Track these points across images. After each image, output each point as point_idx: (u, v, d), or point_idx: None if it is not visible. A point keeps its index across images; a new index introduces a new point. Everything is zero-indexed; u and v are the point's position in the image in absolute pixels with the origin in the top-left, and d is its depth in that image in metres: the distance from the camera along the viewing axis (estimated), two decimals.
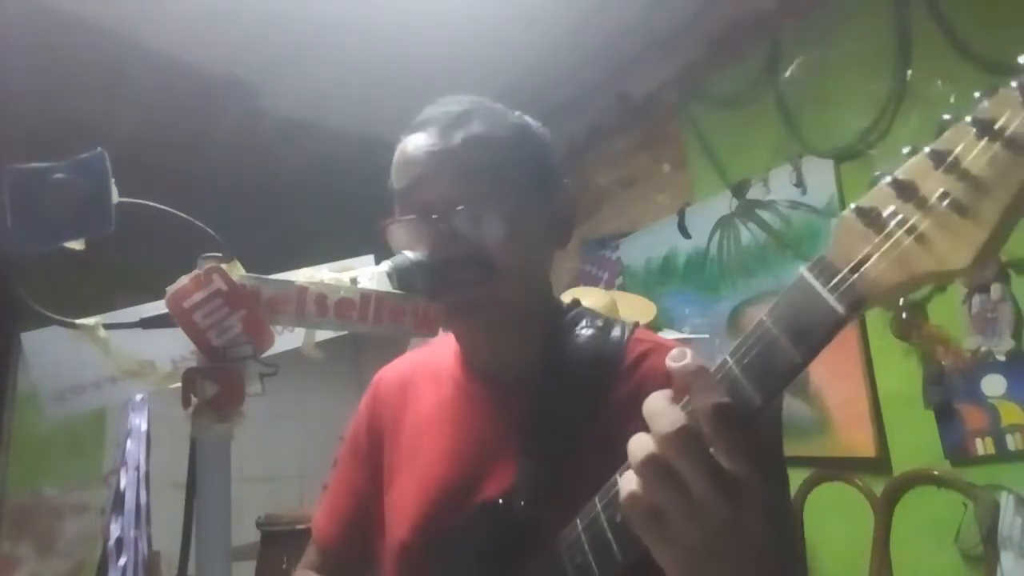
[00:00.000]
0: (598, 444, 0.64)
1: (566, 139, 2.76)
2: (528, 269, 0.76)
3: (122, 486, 2.28)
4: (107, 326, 0.62)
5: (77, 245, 0.57)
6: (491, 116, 0.75)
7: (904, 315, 1.73)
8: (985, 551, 1.49)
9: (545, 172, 0.78)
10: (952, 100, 1.67)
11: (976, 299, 1.63)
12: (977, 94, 0.37)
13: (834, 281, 0.41)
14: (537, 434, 0.71)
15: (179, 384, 0.58)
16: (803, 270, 0.43)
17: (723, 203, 2.24)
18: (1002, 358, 1.59)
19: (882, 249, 0.40)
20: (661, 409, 0.44)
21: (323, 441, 3.18)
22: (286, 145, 2.92)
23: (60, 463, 3.04)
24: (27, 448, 2.96)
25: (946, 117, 0.38)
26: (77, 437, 3.05)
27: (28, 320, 0.62)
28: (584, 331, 0.77)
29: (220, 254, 0.60)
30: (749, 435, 0.42)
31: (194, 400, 0.56)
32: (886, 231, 0.40)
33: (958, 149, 0.38)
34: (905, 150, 0.40)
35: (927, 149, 0.39)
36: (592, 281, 2.71)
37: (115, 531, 2.24)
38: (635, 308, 1.92)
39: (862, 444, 1.81)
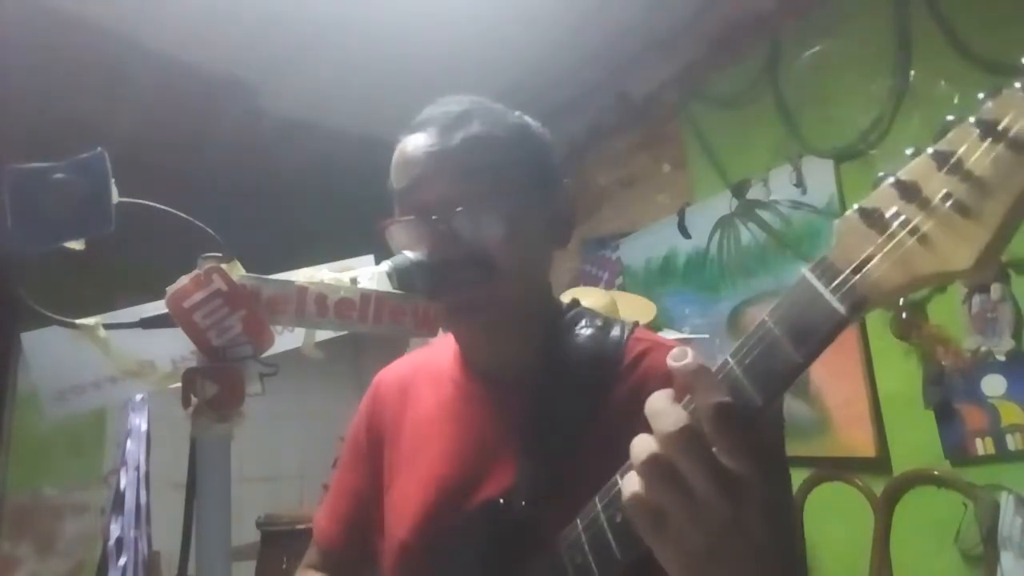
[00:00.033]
0: (598, 443, 0.64)
1: (566, 139, 2.76)
2: (528, 269, 0.76)
3: (122, 486, 2.28)
4: (107, 326, 0.62)
5: (77, 245, 0.57)
6: (491, 116, 0.75)
7: (904, 315, 1.73)
8: (985, 551, 1.49)
9: (545, 172, 0.78)
10: (952, 100, 1.67)
11: (976, 299, 1.63)
12: (981, 95, 0.37)
13: (836, 282, 0.41)
14: (537, 434, 0.71)
15: (179, 384, 0.58)
16: (805, 271, 0.43)
17: (723, 203, 2.24)
18: (1002, 358, 1.59)
19: (885, 250, 0.40)
20: (663, 409, 0.44)
21: (323, 441, 3.19)
22: (286, 145, 2.92)
23: (60, 463, 3.04)
24: (27, 448, 2.96)
25: (950, 118, 0.38)
26: (77, 437, 3.05)
27: (28, 320, 0.62)
28: (584, 331, 0.77)
29: (220, 254, 0.60)
30: (751, 435, 0.42)
31: (194, 400, 0.56)
32: (889, 232, 0.40)
33: (961, 150, 0.37)
34: (908, 151, 0.40)
35: (930, 150, 0.39)
36: (592, 281, 2.71)
37: (115, 531, 2.24)
38: (635, 308, 1.92)
39: (862, 444, 1.81)
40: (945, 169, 0.38)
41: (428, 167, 0.71)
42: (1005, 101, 0.36)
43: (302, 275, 0.63)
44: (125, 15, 2.11)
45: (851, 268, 0.41)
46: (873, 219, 0.40)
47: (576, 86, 2.68)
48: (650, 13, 2.29)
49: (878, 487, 1.62)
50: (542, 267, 0.80)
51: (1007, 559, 1.43)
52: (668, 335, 1.77)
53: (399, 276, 0.65)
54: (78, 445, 3.05)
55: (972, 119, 0.37)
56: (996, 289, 1.60)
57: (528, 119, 0.80)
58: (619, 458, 0.49)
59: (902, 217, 0.39)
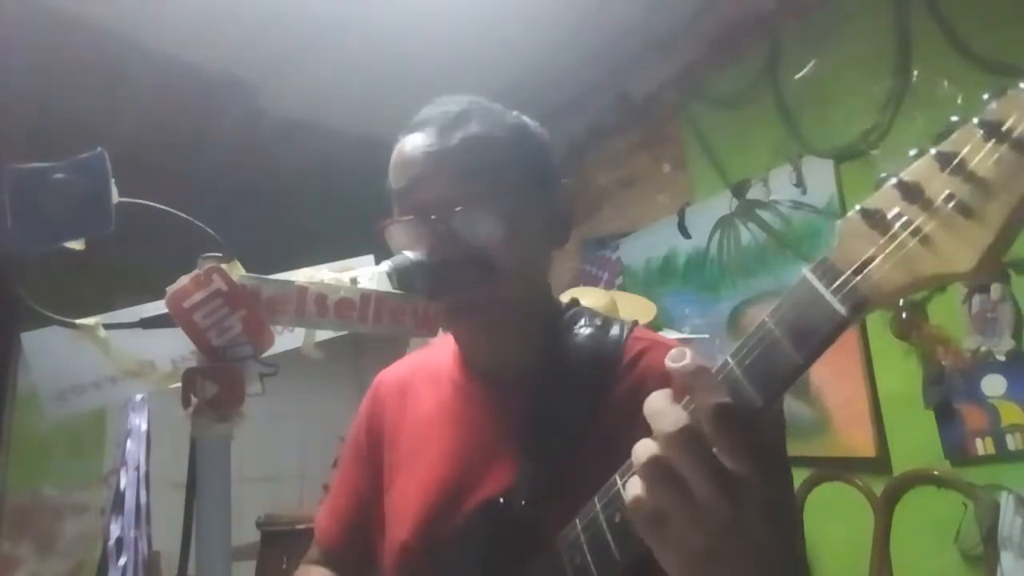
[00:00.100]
0: (598, 442, 0.64)
1: (566, 139, 2.76)
2: (527, 269, 0.76)
3: (122, 486, 2.28)
4: (107, 326, 0.62)
5: (77, 245, 0.57)
6: (489, 116, 0.75)
7: (904, 315, 1.73)
8: (985, 551, 1.49)
9: (543, 172, 0.78)
10: (953, 100, 1.67)
11: (976, 299, 1.63)
12: (985, 95, 0.37)
13: (837, 283, 0.41)
14: (536, 433, 0.71)
15: (179, 384, 0.58)
16: (806, 271, 0.42)
17: (723, 203, 2.24)
18: (1002, 358, 1.59)
19: (886, 251, 0.39)
20: (662, 409, 0.44)
21: (323, 441, 3.19)
22: (286, 145, 2.92)
23: (60, 463, 3.04)
24: (27, 448, 2.96)
25: (953, 118, 0.38)
26: (77, 437, 3.05)
27: (28, 320, 0.62)
28: (583, 330, 0.77)
29: (220, 254, 0.60)
30: (751, 435, 0.42)
31: (194, 400, 0.56)
32: (890, 233, 0.39)
33: (965, 151, 0.37)
34: (911, 152, 0.39)
35: (933, 151, 0.38)
36: (592, 281, 2.71)
37: (115, 531, 2.24)
38: (635, 308, 1.92)
39: (862, 444, 1.81)
40: (948, 170, 0.38)
41: (427, 167, 0.71)
42: (1009, 102, 0.36)
43: (302, 275, 0.63)
44: (125, 15, 2.11)
45: (852, 269, 0.40)
46: (875, 220, 0.40)
47: (576, 86, 2.68)
48: (650, 13, 2.29)
49: (878, 487, 1.62)
50: (541, 267, 0.80)
51: (1007, 559, 1.43)
52: (668, 335, 1.77)
53: (399, 276, 0.65)
54: (78, 445, 3.05)
55: (976, 120, 0.37)
56: (996, 289, 1.60)
57: (526, 119, 0.80)
58: (619, 457, 0.49)
59: (904, 218, 0.39)
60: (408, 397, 0.86)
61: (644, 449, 0.44)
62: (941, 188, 0.38)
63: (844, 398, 1.85)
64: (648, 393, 0.46)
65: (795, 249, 2.02)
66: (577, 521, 0.55)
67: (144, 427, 2.35)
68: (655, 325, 1.90)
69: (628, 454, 0.46)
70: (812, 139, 2.01)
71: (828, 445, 1.87)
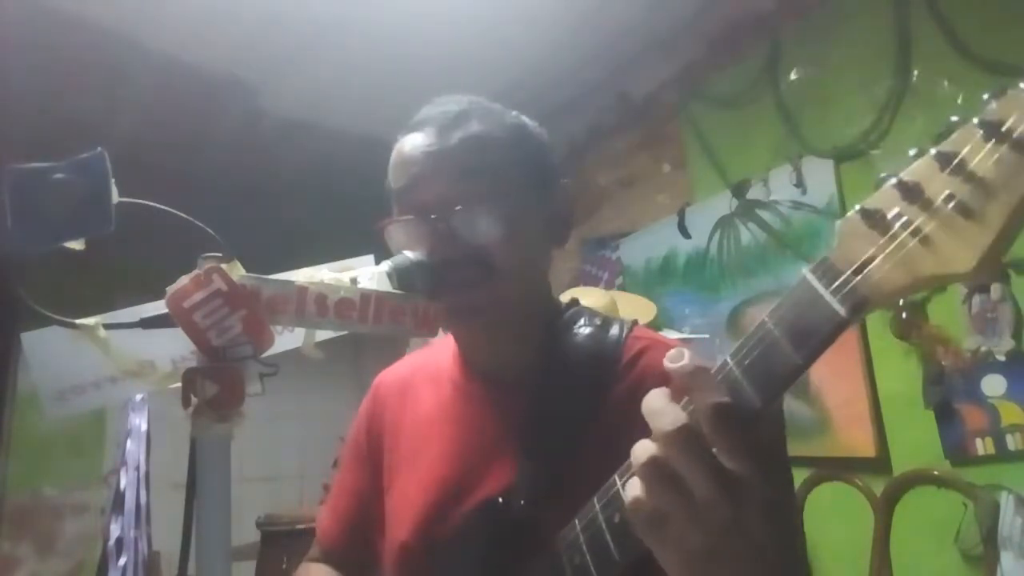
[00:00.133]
0: (597, 442, 0.64)
1: (566, 139, 2.76)
2: (527, 269, 0.76)
3: (122, 486, 2.28)
4: (107, 326, 0.62)
5: (77, 245, 0.57)
6: (489, 116, 0.75)
7: (904, 315, 1.73)
8: (985, 551, 1.49)
9: (543, 172, 0.78)
10: (952, 99, 1.67)
11: (976, 299, 1.63)
12: (985, 95, 0.36)
13: (837, 283, 0.41)
14: (536, 433, 0.71)
15: (179, 384, 0.58)
16: (806, 271, 0.42)
17: (723, 203, 2.24)
18: (1002, 358, 1.59)
19: (886, 251, 0.39)
20: (660, 408, 0.44)
21: (323, 441, 3.19)
22: (286, 145, 2.92)
23: (60, 463, 3.04)
24: (27, 448, 2.96)
25: (953, 118, 0.38)
26: (77, 437, 3.05)
27: (28, 320, 0.62)
28: (582, 330, 0.77)
29: (220, 254, 0.60)
30: (750, 435, 0.42)
31: (194, 400, 0.56)
32: (890, 233, 0.39)
33: (965, 151, 0.37)
34: (911, 151, 0.39)
35: (933, 151, 0.38)
36: (592, 281, 2.70)
37: (115, 531, 2.24)
38: (635, 308, 1.92)
39: (862, 444, 1.81)
40: (948, 170, 0.37)
41: (426, 166, 0.71)
42: (1009, 102, 0.36)
43: (302, 275, 0.63)
44: (125, 15, 2.11)
45: (852, 269, 0.40)
46: (875, 220, 0.40)
47: (576, 86, 2.68)
48: (650, 13, 2.29)
49: (878, 487, 1.62)
50: (541, 266, 0.80)
51: (1007, 559, 1.43)
52: (668, 335, 1.77)
53: (399, 276, 0.65)
54: (78, 445, 3.05)
55: (976, 120, 0.37)
56: (996, 289, 1.60)
57: (526, 119, 0.80)
58: (618, 457, 0.49)
59: (904, 218, 0.39)
60: (408, 397, 0.87)
61: (643, 450, 0.44)
62: (941, 188, 0.38)
63: (844, 398, 1.85)
64: (648, 392, 0.46)
65: (795, 249, 2.02)
66: (576, 521, 0.55)
67: (144, 427, 2.35)
68: (655, 325, 1.90)
69: (628, 454, 0.46)
70: (812, 139, 2.01)
71: (828, 445, 1.87)
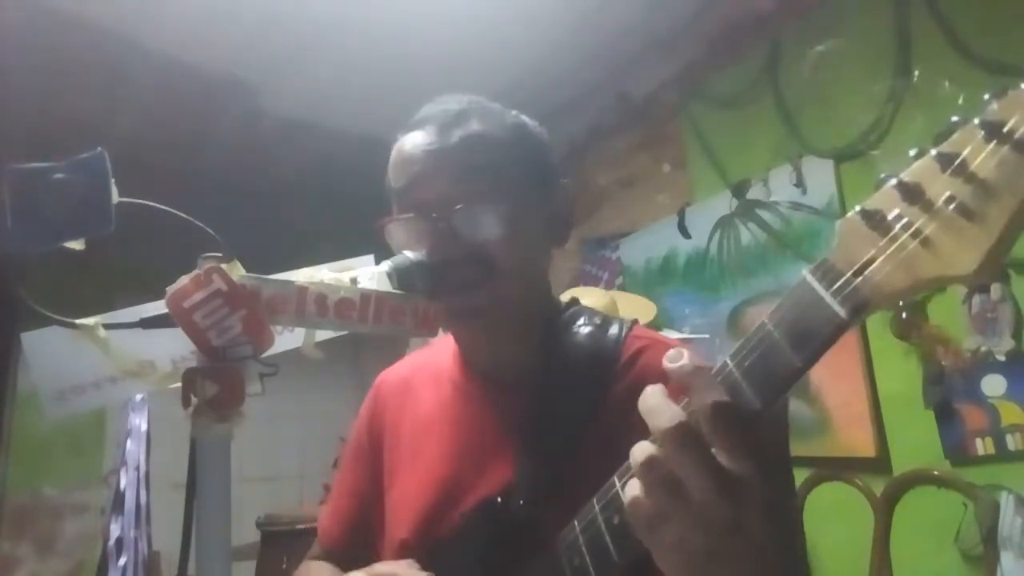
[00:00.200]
0: (596, 442, 0.64)
1: (566, 139, 2.76)
2: (527, 268, 0.76)
3: (122, 486, 2.28)
4: (107, 326, 0.62)
5: (77, 245, 0.57)
6: (489, 115, 0.75)
7: (904, 315, 1.73)
8: (985, 551, 1.49)
9: (543, 171, 0.78)
10: (952, 99, 1.67)
11: (976, 299, 1.63)
12: (986, 96, 0.36)
13: (837, 284, 0.40)
14: (535, 433, 0.71)
15: (179, 384, 0.58)
16: (806, 273, 0.42)
17: (723, 203, 2.24)
18: (1002, 358, 1.59)
19: (886, 253, 0.39)
20: (658, 405, 0.44)
21: (323, 441, 3.19)
22: (286, 145, 2.92)
23: (60, 463, 3.03)
24: (27, 448, 2.96)
25: (954, 119, 0.38)
26: (77, 437, 3.05)
27: (28, 320, 0.62)
28: (582, 329, 0.77)
29: (220, 254, 0.60)
30: (750, 435, 0.41)
31: (194, 400, 0.56)
32: (891, 234, 0.39)
33: (966, 152, 0.37)
34: (912, 152, 0.39)
35: (934, 151, 0.38)
36: (592, 281, 2.70)
37: (115, 531, 2.24)
38: (635, 308, 1.92)
39: (862, 444, 1.81)
40: (949, 171, 0.37)
41: (427, 165, 0.71)
42: (1010, 103, 0.35)
43: (302, 275, 0.63)
44: (125, 15, 2.11)
45: (852, 271, 0.40)
46: (875, 221, 0.40)
47: (576, 86, 2.68)
48: (650, 13, 2.29)
49: (878, 487, 1.62)
50: (541, 266, 0.80)
51: (1007, 559, 1.43)
52: (668, 335, 1.77)
53: (399, 276, 0.65)
54: (78, 445, 3.05)
55: (977, 120, 0.36)
56: (996, 289, 1.60)
57: (526, 118, 0.80)
58: (617, 456, 0.49)
59: (905, 219, 0.39)
60: (408, 397, 0.87)
61: (641, 450, 0.44)
62: (942, 189, 0.37)
63: (844, 398, 1.85)
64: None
65: (795, 249, 2.02)
66: (576, 523, 0.55)
67: (144, 427, 2.35)
68: (655, 325, 1.90)
69: (627, 454, 0.46)
70: (812, 139, 2.01)
71: (828, 445, 1.87)
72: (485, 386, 0.79)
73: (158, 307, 0.60)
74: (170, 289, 0.57)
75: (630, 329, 0.76)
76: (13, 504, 2.94)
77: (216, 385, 0.56)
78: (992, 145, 0.36)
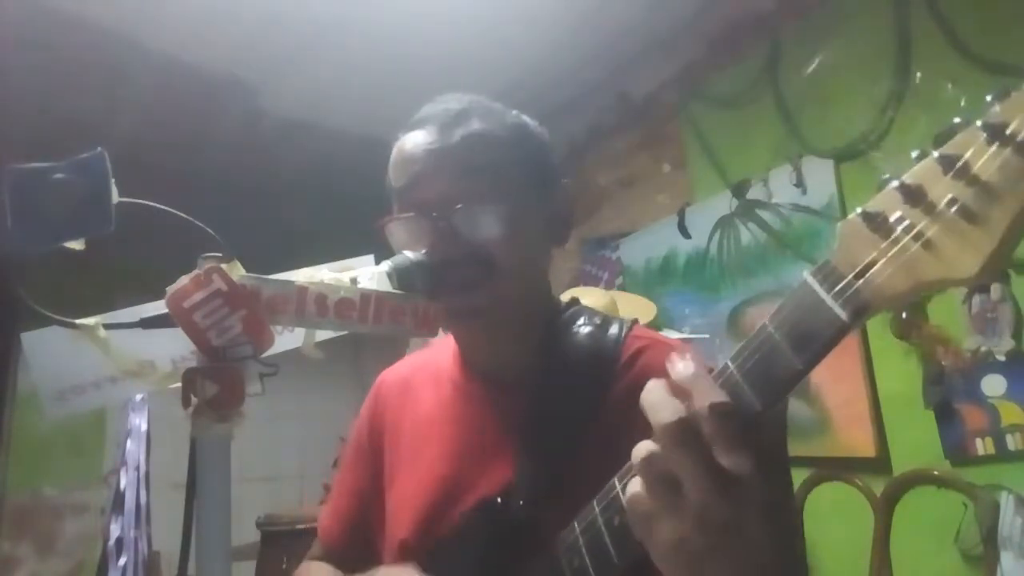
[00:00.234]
0: (596, 441, 0.65)
1: (566, 139, 2.76)
2: (527, 268, 0.76)
3: (122, 486, 2.28)
4: (107, 326, 0.62)
5: (77, 245, 0.57)
6: (490, 115, 0.75)
7: (904, 315, 1.73)
8: (985, 551, 1.49)
9: (543, 171, 0.78)
10: (952, 99, 1.67)
11: (976, 299, 1.63)
12: (988, 97, 0.36)
13: (838, 287, 0.40)
14: (535, 433, 0.71)
15: (179, 384, 0.58)
16: (807, 275, 0.42)
17: (723, 203, 2.24)
18: (1002, 358, 1.59)
19: (888, 255, 0.39)
20: (660, 400, 0.44)
21: (323, 441, 3.19)
22: (286, 145, 2.92)
23: (60, 463, 3.03)
24: (27, 448, 2.96)
25: (956, 120, 0.37)
26: (77, 437, 3.05)
27: (28, 320, 0.62)
28: (582, 329, 0.77)
29: (220, 254, 0.60)
30: (750, 437, 0.41)
31: (194, 400, 0.56)
32: (892, 237, 0.39)
33: (968, 154, 0.36)
34: (913, 154, 0.39)
35: (936, 153, 0.38)
36: (592, 281, 2.70)
37: (115, 531, 2.24)
38: (635, 308, 1.92)
39: (862, 444, 1.81)
40: (951, 173, 0.37)
41: (428, 164, 0.71)
42: (1013, 104, 0.35)
43: (302, 275, 0.63)
44: (125, 15, 2.11)
45: (854, 273, 0.40)
46: (877, 223, 0.40)
47: (576, 86, 2.68)
48: (650, 13, 2.29)
49: (878, 487, 1.62)
50: (541, 265, 0.80)
51: (1007, 559, 1.43)
52: (668, 335, 1.77)
53: (399, 276, 0.65)
54: (78, 445, 3.05)
55: (979, 122, 0.36)
56: (996, 289, 1.60)
57: (526, 118, 0.80)
58: (617, 456, 0.49)
59: (906, 222, 0.38)
60: (409, 396, 0.87)
61: (643, 447, 0.44)
62: (944, 192, 0.37)
63: (844, 398, 1.85)
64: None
65: (795, 249, 2.02)
66: (576, 524, 0.55)
67: (144, 427, 2.35)
68: (655, 325, 1.90)
69: (627, 453, 0.46)
70: (812, 139, 2.01)
71: (828, 445, 1.87)
72: (485, 386, 0.79)
73: (158, 307, 0.60)
74: (170, 289, 0.57)
75: (630, 329, 0.76)
76: (13, 504, 2.94)
77: (216, 385, 0.56)
78: (994, 147, 0.36)
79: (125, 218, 0.58)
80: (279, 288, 0.59)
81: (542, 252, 0.79)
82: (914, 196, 0.38)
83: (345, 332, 0.64)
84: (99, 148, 0.57)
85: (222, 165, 2.90)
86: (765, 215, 2.11)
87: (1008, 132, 0.35)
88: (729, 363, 0.45)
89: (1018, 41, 1.58)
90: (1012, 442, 1.55)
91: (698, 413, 0.42)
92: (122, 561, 2.20)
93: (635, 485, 0.44)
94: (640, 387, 0.45)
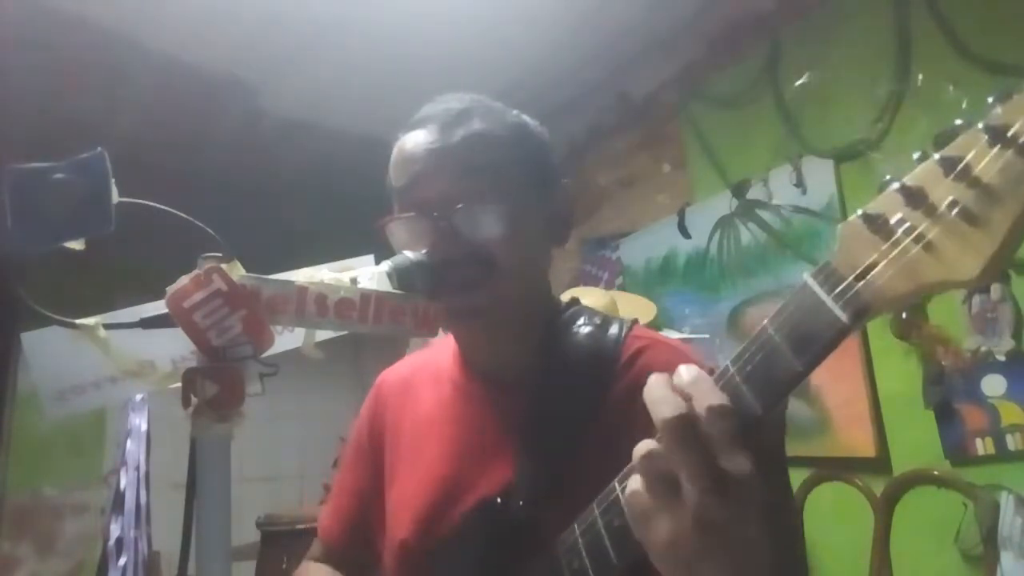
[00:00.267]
0: (596, 441, 0.65)
1: (566, 139, 2.76)
2: (527, 267, 0.76)
3: (122, 486, 2.28)
4: (107, 326, 0.62)
5: (77, 245, 0.57)
6: (490, 114, 0.75)
7: (904, 315, 1.73)
8: (985, 551, 1.49)
9: (544, 171, 0.78)
10: (952, 100, 1.67)
11: (976, 299, 1.63)
12: (990, 99, 0.36)
13: (839, 289, 0.40)
14: (535, 433, 0.71)
15: (179, 384, 0.58)
16: (807, 276, 0.42)
17: (723, 203, 2.24)
18: (1002, 358, 1.59)
19: (889, 257, 0.39)
20: (662, 396, 0.44)
21: (323, 441, 3.19)
22: (286, 145, 2.92)
23: (60, 463, 3.04)
24: (27, 448, 2.96)
25: (958, 122, 0.37)
26: (77, 437, 3.05)
27: (28, 320, 0.62)
28: (582, 329, 0.77)
29: (220, 254, 0.60)
30: (749, 438, 0.42)
31: (194, 400, 0.56)
32: (893, 239, 0.39)
33: (969, 156, 0.36)
34: (915, 155, 0.39)
35: (937, 155, 0.38)
36: (592, 281, 2.70)
37: (115, 531, 2.24)
38: (635, 308, 1.92)
39: (862, 444, 1.81)
40: (952, 175, 0.37)
41: (429, 164, 0.71)
42: (1014, 106, 0.35)
43: (302, 275, 0.63)
44: (125, 15, 2.11)
45: (854, 275, 0.40)
46: (877, 225, 0.40)
47: (576, 86, 2.68)
48: (650, 13, 2.29)
49: (878, 487, 1.62)
50: (541, 265, 0.80)
51: (1007, 559, 1.43)
52: (668, 335, 1.77)
53: (399, 276, 0.65)
54: (78, 445, 3.05)
55: (980, 124, 0.36)
56: (996, 289, 1.60)
57: (527, 118, 0.80)
58: (617, 456, 0.49)
59: (907, 224, 0.38)
60: (409, 396, 0.87)
61: (644, 445, 0.44)
62: (945, 194, 0.37)
63: (844, 398, 1.85)
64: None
65: (795, 249, 2.02)
66: (576, 525, 0.55)
67: (144, 427, 2.35)
68: (655, 325, 1.90)
69: (627, 453, 0.46)
70: (812, 139, 2.01)
71: (828, 445, 1.87)
72: (485, 386, 0.79)
73: (158, 307, 0.60)
74: (170, 289, 0.57)
75: (630, 329, 0.76)
76: (13, 504, 2.94)
77: (216, 385, 0.56)
78: (996, 149, 0.35)
79: (125, 218, 0.58)
80: (279, 288, 0.59)
81: (542, 252, 0.79)
82: (915, 198, 0.38)
83: (345, 332, 0.64)
84: (99, 148, 0.57)
85: (222, 165, 2.90)
86: (765, 215, 2.11)
87: (1010, 134, 0.35)
88: (729, 365, 0.45)
89: (1018, 41, 1.58)
90: (1012, 442, 1.55)
91: (698, 415, 0.42)
92: (122, 561, 2.20)
93: (635, 483, 0.44)
94: (640, 387, 0.45)
